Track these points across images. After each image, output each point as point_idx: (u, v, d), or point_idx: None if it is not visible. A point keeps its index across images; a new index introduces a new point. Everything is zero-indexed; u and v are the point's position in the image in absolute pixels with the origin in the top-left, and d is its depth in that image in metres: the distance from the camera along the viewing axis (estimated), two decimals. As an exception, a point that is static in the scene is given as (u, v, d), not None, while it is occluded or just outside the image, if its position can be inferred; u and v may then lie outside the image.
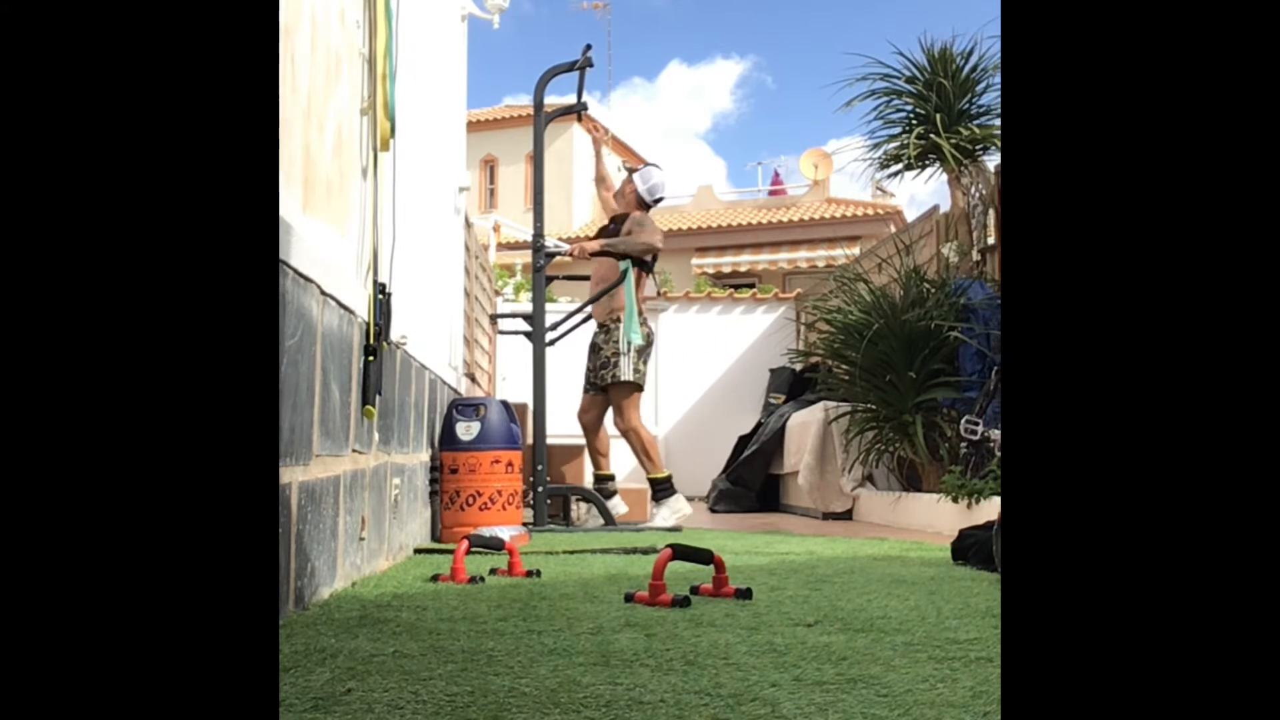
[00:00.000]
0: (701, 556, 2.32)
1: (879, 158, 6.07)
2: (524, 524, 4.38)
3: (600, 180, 5.49)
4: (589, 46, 5.01)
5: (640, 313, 5.02)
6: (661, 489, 5.02)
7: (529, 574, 2.70)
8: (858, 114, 7.61)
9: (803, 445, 6.45)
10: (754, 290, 10.80)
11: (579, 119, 5.48)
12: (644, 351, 5.01)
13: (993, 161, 5.77)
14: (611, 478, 5.16)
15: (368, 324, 2.57)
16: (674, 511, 4.96)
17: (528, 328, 5.06)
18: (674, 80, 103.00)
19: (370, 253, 2.63)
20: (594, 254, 5.06)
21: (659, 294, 10.04)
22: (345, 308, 2.35)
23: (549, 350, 4.98)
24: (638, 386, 5.02)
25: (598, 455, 5.17)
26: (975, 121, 5.77)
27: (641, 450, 5.03)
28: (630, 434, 5.02)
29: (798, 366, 8.37)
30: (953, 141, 5.61)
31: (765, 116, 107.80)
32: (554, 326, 5.10)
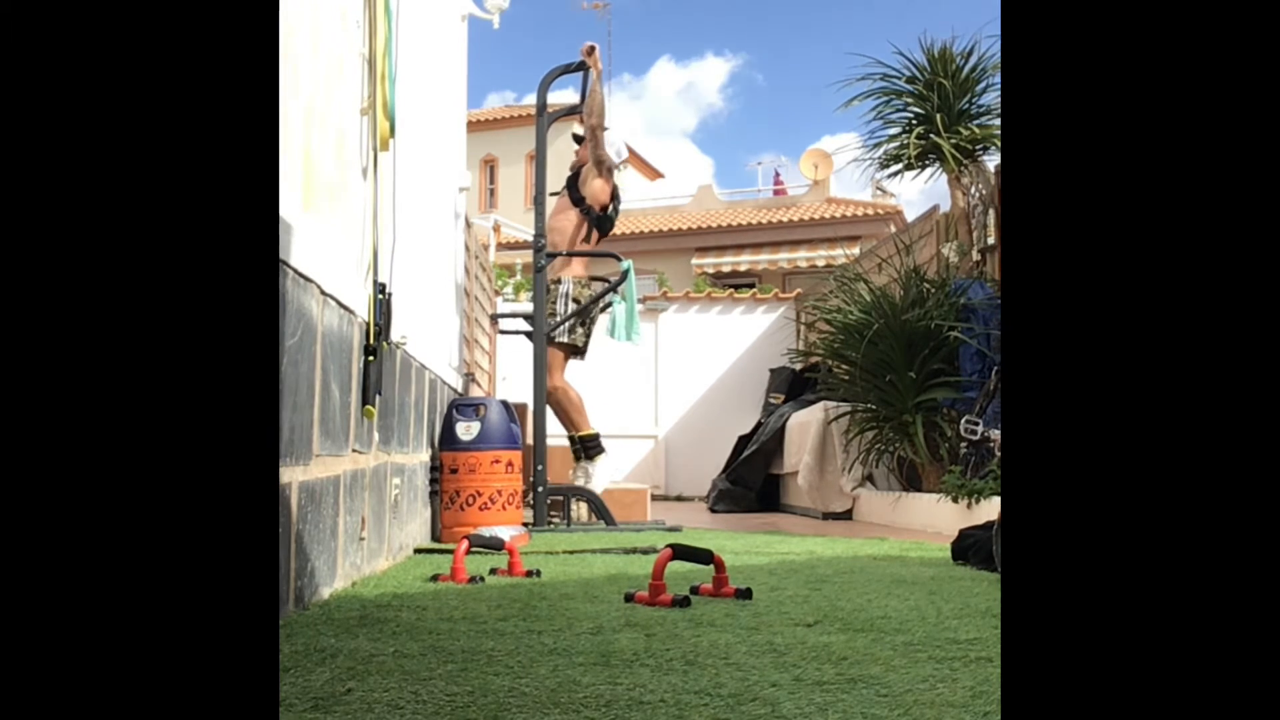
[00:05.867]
0: (701, 556, 2.32)
1: (879, 158, 6.07)
2: (524, 524, 4.38)
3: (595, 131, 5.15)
4: (593, 47, 5.00)
5: (584, 270, 5.05)
6: (591, 445, 4.97)
7: (529, 574, 2.70)
8: (851, 114, 7.61)
9: (803, 445, 6.45)
10: (754, 290, 10.80)
11: (580, 119, 5.45)
12: (585, 312, 4.97)
13: (993, 161, 5.77)
14: (595, 436, 5.04)
15: (368, 324, 2.57)
16: (608, 472, 4.91)
17: (528, 328, 5.05)
18: (663, 77, 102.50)
19: (370, 253, 2.63)
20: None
21: (661, 294, 10.06)
22: (345, 308, 2.35)
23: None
24: (573, 348, 5.00)
25: (572, 414, 5.04)
26: (975, 121, 5.77)
27: (571, 407, 4.97)
28: (556, 391, 4.95)
29: (798, 366, 8.37)
30: (953, 141, 5.61)
31: (755, 115, 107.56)
32: (554, 327, 5.09)
